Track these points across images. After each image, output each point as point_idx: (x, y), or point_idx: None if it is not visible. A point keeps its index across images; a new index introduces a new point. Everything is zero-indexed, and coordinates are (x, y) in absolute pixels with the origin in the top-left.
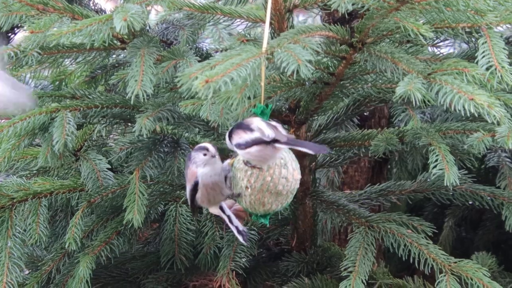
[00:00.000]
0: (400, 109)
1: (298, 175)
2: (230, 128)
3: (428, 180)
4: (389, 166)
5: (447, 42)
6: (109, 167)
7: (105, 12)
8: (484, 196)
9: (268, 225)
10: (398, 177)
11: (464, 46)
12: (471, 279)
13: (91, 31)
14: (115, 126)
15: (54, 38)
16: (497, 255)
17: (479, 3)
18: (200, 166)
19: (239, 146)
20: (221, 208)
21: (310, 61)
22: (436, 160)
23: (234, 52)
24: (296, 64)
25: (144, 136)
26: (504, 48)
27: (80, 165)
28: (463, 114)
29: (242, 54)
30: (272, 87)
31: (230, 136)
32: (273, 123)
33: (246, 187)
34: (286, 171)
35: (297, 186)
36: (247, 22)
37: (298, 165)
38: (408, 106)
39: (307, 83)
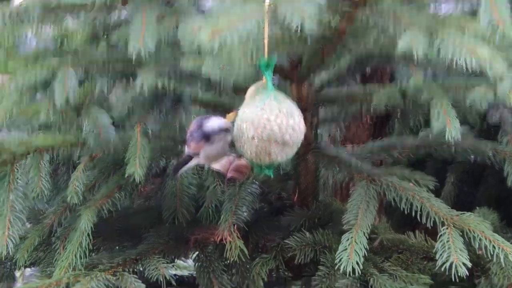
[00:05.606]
0: (403, 65)
1: (303, 126)
2: None
3: (430, 135)
4: (391, 123)
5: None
6: (111, 122)
7: None
8: (485, 151)
9: (271, 177)
10: (400, 134)
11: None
12: (473, 232)
13: None
14: (116, 82)
15: None
16: (499, 211)
17: None
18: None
19: None
20: None
21: (314, 15)
22: (438, 114)
23: (237, 5)
24: (300, 18)
25: (146, 91)
26: (506, 3)
27: (81, 120)
28: (464, 70)
29: (245, 6)
30: (274, 43)
31: None
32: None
33: (253, 137)
34: (293, 121)
35: (302, 137)
36: None
37: (302, 116)
38: (411, 63)
39: (309, 39)
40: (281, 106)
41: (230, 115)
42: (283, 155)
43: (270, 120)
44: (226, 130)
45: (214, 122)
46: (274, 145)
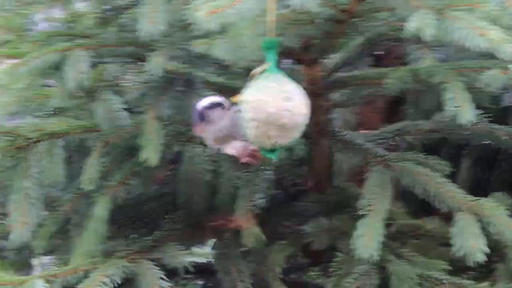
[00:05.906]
0: (414, 48)
1: (305, 110)
2: None
3: (444, 119)
4: (405, 108)
5: None
6: (124, 107)
7: None
8: (499, 136)
9: (276, 161)
10: (414, 119)
11: None
12: (489, 217)
13: None
14: (128, 65)
15: None
16: None
17: None
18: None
19: None
20: None
21: None
22: (451, 98)
23: None
24: None
25: (158, 75)
26: None
27: (95, 105)
28: (475, 51)
29: None
30: (283, 25)
31: None
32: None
33: (252, 119)
34: (292, 104)
35: (305, 121)
36: None
37: (306, 101)
38: (423, 45)
39: (318, 20)
40: (280, 88)
41: (235, 98)
42: (284, 139)
43: (267, 102)
44: (219, 104)
45: (206, 100)
46: (272, 127)
